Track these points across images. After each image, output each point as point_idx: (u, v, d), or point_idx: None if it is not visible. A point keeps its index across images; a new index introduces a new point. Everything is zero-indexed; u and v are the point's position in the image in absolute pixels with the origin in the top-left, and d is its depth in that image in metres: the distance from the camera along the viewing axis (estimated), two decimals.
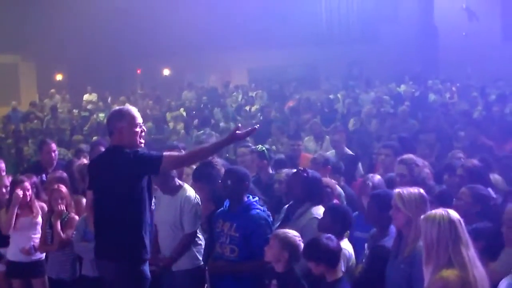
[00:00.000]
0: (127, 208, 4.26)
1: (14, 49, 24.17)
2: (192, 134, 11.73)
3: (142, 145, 4.44)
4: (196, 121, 12.95)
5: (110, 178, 4.28)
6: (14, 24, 21.10)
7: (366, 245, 4.76)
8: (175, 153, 4.54)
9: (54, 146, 7.78)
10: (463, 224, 3.58)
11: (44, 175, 7.33)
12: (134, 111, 4.46)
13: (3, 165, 7.49)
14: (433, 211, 3.65)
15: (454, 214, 3.60)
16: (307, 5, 22.30)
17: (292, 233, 4.50)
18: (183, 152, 7.41)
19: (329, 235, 4.35)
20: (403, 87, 17.34)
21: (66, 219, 5.97)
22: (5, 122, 16.10)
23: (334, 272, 4.26)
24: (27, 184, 6.18)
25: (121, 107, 4.62)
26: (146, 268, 4.42)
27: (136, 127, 4.37)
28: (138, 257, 4.32)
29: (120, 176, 4.22)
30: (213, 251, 5.21)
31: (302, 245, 4.43)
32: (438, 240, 3.50)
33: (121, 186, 4.23)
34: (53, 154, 7.62)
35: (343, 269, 4.44)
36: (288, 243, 4.41)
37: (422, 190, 4.21)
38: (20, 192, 6.11)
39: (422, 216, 3.67)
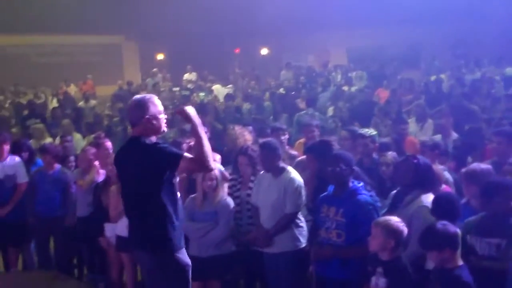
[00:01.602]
0: (150, 200, 4.20)
1: (118, 29, 25.02)
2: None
3: (166, 130, 4.41)
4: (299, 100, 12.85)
5: (133, 171, 4.24)
6: (118, 5, 21.76)
7: (470, 236, 4.51)
8: (190, 156, 4.24)
9: None
10: None
11: None
12: (155, 99, 4.35)
13: (109, 143, 7.72)
14: None
15: None
16: None
17: (394, 220, 4.39)
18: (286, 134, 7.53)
19: (443, 221, 4.19)
20: None
21: None
22: (113, 100, 16.67)
23: (456, 258, 4.09)
24: None
25: (142, 95, 4.43)
26: (182, 255, 4.32)
27: (160, 114, 4.28)
28: (168, 248, 4.23)
29: (141, 169, 4.18)
30: (318, 235, 5.15)
31: (406, 230, 4.32)
32: None
33: (143, 178, 4.19)
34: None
35: None
36: (392, 231, 4.31)
37: None
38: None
39: None
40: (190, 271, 4.36)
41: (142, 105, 4.24)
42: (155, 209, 4.20)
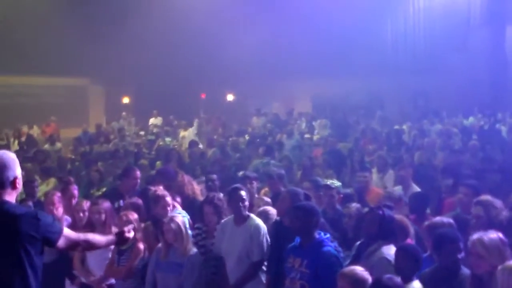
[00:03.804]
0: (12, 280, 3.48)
1: (84, 72, 24.98)
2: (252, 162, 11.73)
3: None
4: (261, 149, 12.95)
5: None
6: (84, 48, 21.81)
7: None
8: (73, 234, 3.78)
9: (138, 173, 7.77)
10: None
11: (122, 202, 7.28)
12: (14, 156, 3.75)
13: (76, 191, 7.65)
14: None
15: None
16: (372, 33, 22.16)
17: (359, 269, 4.46)
18: (254, 183, 7.55)
19: (390, 275, 4.27)
20: (471, 119, 16.91)
21: (131, 248, 6.03)
22: (75, 144, 16.47)
23: None
24: (101, 207, 6.31)
25: (3, 151, 3.74)
26: None
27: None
28: None
29: (11, 240, 3.48)
30: (282, 285, 5.18)
31: (370, 279, 4.37)
32: None
33: (9, 252, 3.48)
34: (137, 181, 7.63)
35: None
36: (357, 281, 4.36)
37: (501, 235, 4.10)
38: None
39: (500, 267, 3.54)
40: None
41: (12, 164, 3.63)
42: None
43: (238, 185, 6.38)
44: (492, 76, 20.30)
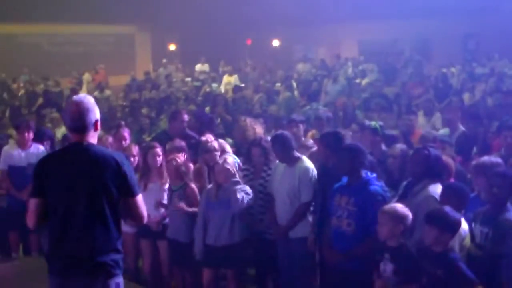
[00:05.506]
0: (112, 216, 3.70)
1: (131, 19, 25.16)
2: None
3: None
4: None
5: (90, 182, 3.64)
6: None
7: (474, 224, 4.72)
8: (142, 204, 3.81)
9: (186, 116, 7.87)
10: None
11: None
12: None
13: (127, 134, 7.84)
14: None
15: None
16: None
17: (399, 206, 4.60)
18: (300, 126, 7.64)
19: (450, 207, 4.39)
20: None
21: (183, 188, 6.20)
22: (126, 91, 16.79)
23: (448, 243, 4.30)
24: (158, 150, 6.47)
25: (83, 95, 3.88)
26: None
27: None
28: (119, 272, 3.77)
29: (103, 182, 3.64)
30: (328, 223, 5.32)
31: (411, 215, 4.51)
32: None
33: (101, 191, 3.65)
34: (185, 124, 7.75)
35: (457, 245, 4.51)
36: (399, 216, 4.50)
37: None
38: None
39: None
40: None
41: (93, 107, 3.76)
42: (113, 228, 3.73)
43: (280, 131, 6.49)
44: None
